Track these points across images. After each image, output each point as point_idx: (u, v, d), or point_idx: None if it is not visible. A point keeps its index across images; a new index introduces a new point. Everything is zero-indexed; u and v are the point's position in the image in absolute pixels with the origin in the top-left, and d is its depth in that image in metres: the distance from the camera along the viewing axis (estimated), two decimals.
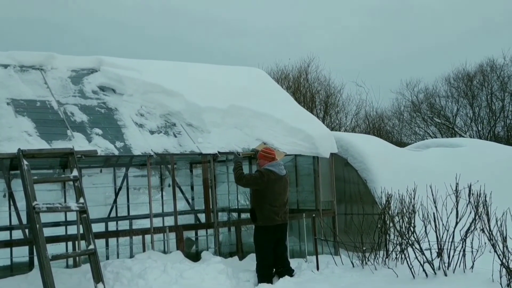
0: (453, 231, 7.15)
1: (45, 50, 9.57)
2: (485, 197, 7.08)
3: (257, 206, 8.05)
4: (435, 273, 6.92)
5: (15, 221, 8.86)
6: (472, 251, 6.99)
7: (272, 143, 9.09)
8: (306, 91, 30.27)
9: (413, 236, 7.44)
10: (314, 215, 9.33)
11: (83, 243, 7.14)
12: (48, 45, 49.10)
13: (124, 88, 9.24)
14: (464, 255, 6.98)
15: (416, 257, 7.18)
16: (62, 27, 53.62)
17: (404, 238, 7.67)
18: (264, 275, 7.91)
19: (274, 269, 8.17)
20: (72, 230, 9.03)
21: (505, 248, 6.09)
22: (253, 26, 57.90)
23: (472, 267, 6.89)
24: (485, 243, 6.82)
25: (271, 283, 7.81)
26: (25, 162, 6.76)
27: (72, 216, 9.23)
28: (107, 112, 8.75)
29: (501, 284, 5.83)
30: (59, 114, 8.24)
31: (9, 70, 8.86)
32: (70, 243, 8.79)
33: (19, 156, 6.81)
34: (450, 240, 7.11)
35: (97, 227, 9.54)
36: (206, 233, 10.24)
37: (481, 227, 6.78)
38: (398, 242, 7.95)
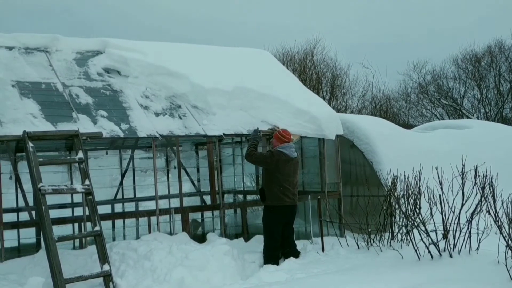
0: (459, 213, 7.13)
1: (49, 33, 9.56)
2: (491, 178, 7.05)
3: (267, 186, 8.12)
4: (441, 255, 6.92)
5: (21, 203, 8.92)
6: (477, 233, 6.97)
7: (278, 125, 9.06)
8: (312, 72, 30.16)
9: (419, 218, 7.42)
10: (319, 196, 9.33)
11: (89, 224, 7.18)
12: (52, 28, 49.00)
13: (129, 70, 9.22)
14: (469, 236, 6.96)
15: (422, 239, 7.17)
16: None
17: (410, 219, 7.66)
18: (271, 256, 7.94)
19: (281, 251, 8.21)
20: (79, 212, 9.08)
21: (510, 229, 6.06)
22: (259, 7, 57.47)
23: (477, 248, 6.88)
24: (490, 224, 6.80)
25: (277, 264, 7.84)
26: (31, 144, 6.78)
27: (78, 198, 9.29)
28: (112, 94, 8.73)
29: (506, 265, 5.81)
30: (64, 96, 8.24)
31: (14, 52, 8.84)
32: (76, 225, 8.84)
33: (24, 138, 6.83)
34: (456, 221, 7.09)
35: (104, 209, 9.60)
36: (212, 214, 10.28)
37: (487, 209, 6.75)
38: (403, 224, 7.94)
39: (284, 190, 8.03)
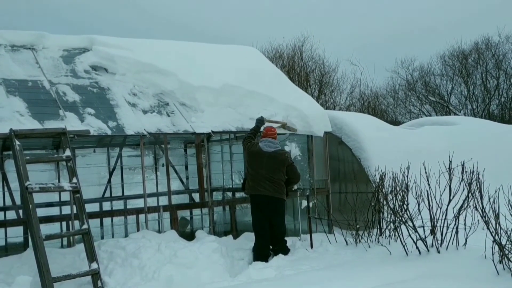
0: (446, 209, 7.18)
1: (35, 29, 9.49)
2: (478, 174, 7.09)
3: (247, 175, 8.38)
4: (428, 250, 6.96)
5: (8, 202, 8.84)
6: (465, 229, 7.02)
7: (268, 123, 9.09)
8: (300, 70, 30.20)
9: (407, 214, 7.47)
10: (308, 193, 9.34)
11: (77, 223, 7.14)
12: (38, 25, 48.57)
13: (116, 68, 9.18)
14: (457, 232, 7.01)
15: (410, 235, 7.21)
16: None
17: (398, 216, 7.70)
18: (259, 254, 7.95)
19: (271, 247, 8.21)
20: (66, 210, 9.02)
21: (497, 225, 6.11)
22: (246, 4, 57.36)
23: (465, 244, 6.92)
24: (478, 220, 6.84)
25: (266, 262, 7.84)
26: (17, 143, 6.73)
27: (66, 196, 9.22)
28: (100, 91, 8.69)
29: (493, 260, 5.86)
30: (51, 94, 8.18)
31: None
32: (64, 223, 8.80)
33: (11, 137, 6.77)
34: (443, 217, 7.13)
35: (92, 207, 9.53)
36: (201, 212, 10.25)
37: (474, 205, 6.80)
38: (391, 220, 7.97)
39: (256, 180, 8.11)
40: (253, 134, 8.53)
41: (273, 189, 8.10)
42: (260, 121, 8.77)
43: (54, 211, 9.38)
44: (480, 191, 6.82)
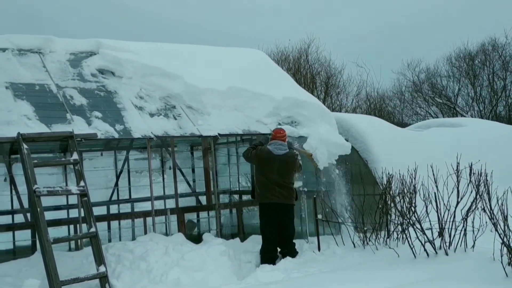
0: (454, 211, 7.14)
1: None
2: (486, 176, 7.06)
3: (256, 183, 8.23)
4: (436, 253, 6.93)
5: (16, 205, 8.88)
6: (473, 231, 6.98)
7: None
8: (306, 72, 30.20)
9: (414, 216, 7.44)
10: (315, 196, 9.32)
11: (84, 226, 7.16)
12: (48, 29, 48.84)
13: (123, 71, 9.21)
14: (465, 234, 6.98)
15: (417, 237, 7.18)
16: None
17: (405, 218, 7.66)
18: (267, 257, 7.92)
19: (279, 250, 8.18)
20: (74, 213, 9.03)
21: (506, 227, 6.07)
22: (253, 6, 57.44)
23: (473, 246, 6.89)
24: (486, 222, 6.80)
25: (274, 264, 7.82)
26: (25, 146, 6.75)
27: (73, 200, 9.25)
28: (107, 95, 8.72)
29: (502, 263, 5.83)
30: (58, 97, 8.21)
31: (7, 54, 8.81)
32: (72, 226, 8.81)
33: (19, 140, 6.80)
34: (451, 219, 7.09)
35: (99, 210, 9.57)
36: (208, 215, 10.25)
37: (482, 206, 6.75)
38: (399, 222, 7.94)
39: (265, 187, 8.01)
40: (252, 148, 8.36)
41: (283, 195, 8.05)
42: (263, 142, 8.59)
43: (61, 214, 9.42)
44: (488, 193, 6.78)
